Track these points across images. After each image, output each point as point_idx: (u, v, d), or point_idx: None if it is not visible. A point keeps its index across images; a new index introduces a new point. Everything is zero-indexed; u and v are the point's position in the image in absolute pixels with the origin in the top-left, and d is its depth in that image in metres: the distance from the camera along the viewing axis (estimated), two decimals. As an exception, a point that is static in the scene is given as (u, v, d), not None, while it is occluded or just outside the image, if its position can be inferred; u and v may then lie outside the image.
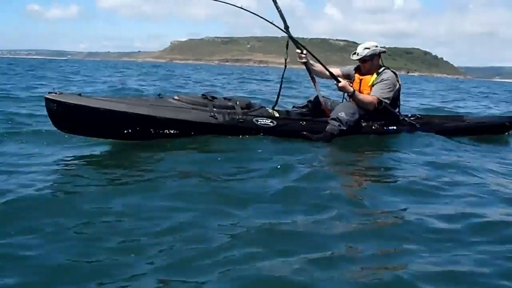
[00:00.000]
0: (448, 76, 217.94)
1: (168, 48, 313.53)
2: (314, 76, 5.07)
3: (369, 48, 4.89)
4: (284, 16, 4.93)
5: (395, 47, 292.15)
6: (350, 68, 5.18)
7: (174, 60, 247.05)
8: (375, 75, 4.90)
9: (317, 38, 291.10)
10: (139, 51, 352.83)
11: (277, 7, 4.85)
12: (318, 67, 5.05)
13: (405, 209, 2.76)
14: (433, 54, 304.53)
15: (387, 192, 3.08)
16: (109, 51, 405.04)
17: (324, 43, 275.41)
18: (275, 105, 5.06)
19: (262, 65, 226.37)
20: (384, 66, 4.99)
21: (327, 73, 4.96)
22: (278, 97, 5.15)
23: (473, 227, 2.49)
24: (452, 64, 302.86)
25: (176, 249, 2.05)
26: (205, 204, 2.62)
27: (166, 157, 3.70)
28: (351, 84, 4.87)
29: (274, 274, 1.83)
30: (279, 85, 5.20)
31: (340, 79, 4.84)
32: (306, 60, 4.97)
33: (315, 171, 3.45)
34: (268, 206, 2.67)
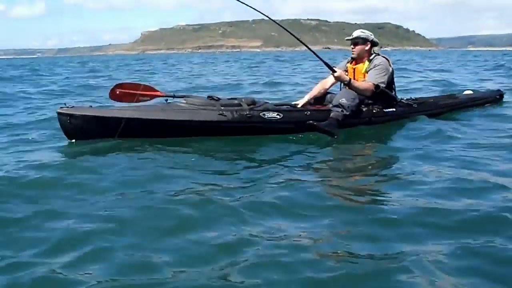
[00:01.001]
0: (421, 48, 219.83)
1: (139, 39, 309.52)
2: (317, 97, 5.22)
3: (364, 33, 5.14)
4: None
5: (366, 23, 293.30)
6: (342, 64, 5.34)
7: (146, 51, 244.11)
8: (367, 63, 5.07)
9: (288, 19, 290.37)
10: (109, 44, 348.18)
11: None
12: (315, 90, 5.24)
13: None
14: (405, 27, 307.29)
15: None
16: (79, 46, 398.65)
17: (295, 24, 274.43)
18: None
19: (235, 50, 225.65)
20: (375, 53, 5.12)
21: (328, 84, 5.20)
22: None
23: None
24: (424, 37, 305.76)
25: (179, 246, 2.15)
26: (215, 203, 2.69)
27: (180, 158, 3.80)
28: (346, 73, 5.03)
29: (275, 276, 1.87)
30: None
31: (335, 69, 4.95)
32: (302, 104, 5.07)
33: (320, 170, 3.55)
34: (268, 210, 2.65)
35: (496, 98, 6.45)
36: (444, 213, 2.50)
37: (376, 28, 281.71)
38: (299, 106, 5.05)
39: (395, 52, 59.24)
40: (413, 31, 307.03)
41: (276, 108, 4.78)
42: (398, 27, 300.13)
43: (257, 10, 5.13)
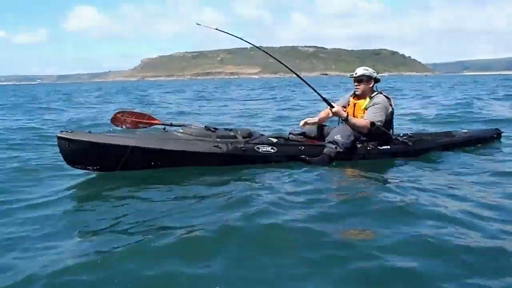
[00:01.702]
0: (417, 73, 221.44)
1: (139, 66, 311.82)
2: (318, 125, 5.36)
3: (368, 70, 5.22)
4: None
5: (363, 50, 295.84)
6: (345, 97, 5.44)
7: (145, 77, 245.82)
8: (368, 99, 5.12)
9: (286, 46, 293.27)
10: (109, 71, 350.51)
11: None
12: (323, 113, 5.40)
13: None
14: (401, 53, 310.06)
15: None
16: (78, 73, 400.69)
17: (293, 51, 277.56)
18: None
19: (233, 76, 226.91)
20: (377, 91, 5.22)
21: (327, 113, 5.29)
22: None
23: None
24: (420, 62, 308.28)
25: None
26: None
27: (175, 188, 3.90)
28: (344, 109, 5.13)
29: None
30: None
31: (333, 104, 5.08)
32: (306, 125, 5.34)
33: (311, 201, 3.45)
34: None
35: (493, 136, 6.41)
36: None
37: (373, 54, 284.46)
38: (308, 123, 5.27)
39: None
40: (409, 56, 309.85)
41: (270, 141, 4.82)
42: (394, 53, 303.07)
43: (253, 44, 5.43)
